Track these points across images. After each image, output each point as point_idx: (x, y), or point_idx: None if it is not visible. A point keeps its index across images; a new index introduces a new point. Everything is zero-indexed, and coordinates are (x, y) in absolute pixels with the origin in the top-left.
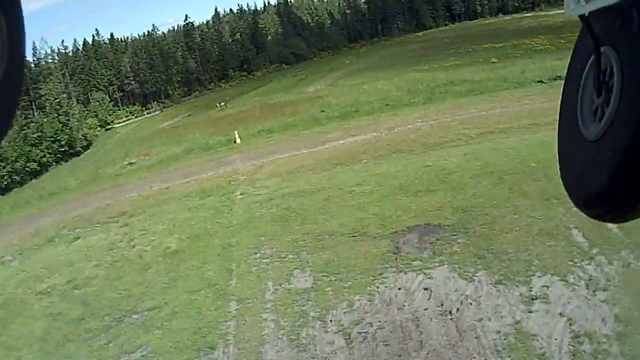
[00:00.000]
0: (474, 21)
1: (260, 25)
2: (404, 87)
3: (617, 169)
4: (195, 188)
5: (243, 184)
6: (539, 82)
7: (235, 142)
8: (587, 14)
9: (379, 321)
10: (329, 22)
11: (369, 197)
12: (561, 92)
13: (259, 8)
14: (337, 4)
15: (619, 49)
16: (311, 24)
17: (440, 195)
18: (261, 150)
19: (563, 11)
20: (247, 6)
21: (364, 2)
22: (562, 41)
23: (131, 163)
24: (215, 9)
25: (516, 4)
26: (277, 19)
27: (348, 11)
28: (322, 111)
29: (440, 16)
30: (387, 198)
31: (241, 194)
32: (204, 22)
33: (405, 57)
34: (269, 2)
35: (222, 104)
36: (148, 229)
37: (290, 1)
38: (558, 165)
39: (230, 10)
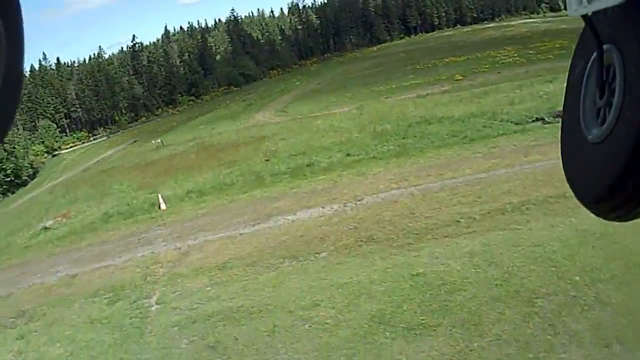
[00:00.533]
0: (431, 33)
1: (209, 44)
2: (366, 125)
3: (621, 170)
4: (105, 282)
5: (161, 282)
6: (537, 119)
7: (159, 207)
8: (589, 14)
9: None
10: (280, 38)
11: (334, 336)
12: (563, 94)
13: (209, 25)
14: (289, 20)
15: (622, 47)
16: (261, 41)
17: (444, 337)
18: (189, 225)
19: (525, 21)
20: (198, 24)
21: (315, 17)
22: (530, 52)
23: (46, 228)
24: (165, 27)
25: (475, 15)
26: (227, 36)
27: (299, 26)
28: (267, 160)
29: (396, 29)
30: (362, 340)
31: (157, 304)
32: (154, 41)
33: (361, 76)
34: (219, 20)
35: (159, 140)
36: (42, 353)
37: (241, 18)
38: (562, 166)
39: (181, 28)
